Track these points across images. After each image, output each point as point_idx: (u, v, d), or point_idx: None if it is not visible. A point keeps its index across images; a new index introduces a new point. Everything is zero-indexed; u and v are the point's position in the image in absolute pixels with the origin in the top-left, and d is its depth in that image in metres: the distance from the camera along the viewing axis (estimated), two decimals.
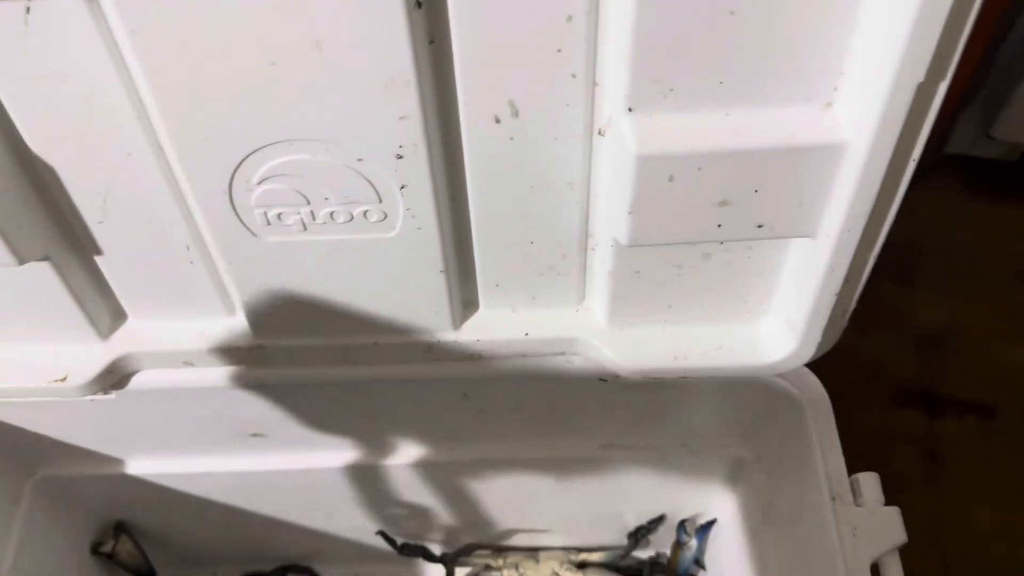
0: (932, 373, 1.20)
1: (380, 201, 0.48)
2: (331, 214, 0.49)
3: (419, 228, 0.50)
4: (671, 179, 0.44)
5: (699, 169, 0.44)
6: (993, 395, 1.18)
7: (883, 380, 1.19)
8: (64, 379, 0.58)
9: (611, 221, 0.49)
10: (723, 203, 0.46)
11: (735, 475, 0.73)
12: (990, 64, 1.21)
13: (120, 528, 0.80)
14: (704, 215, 0.47)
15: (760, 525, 0.69)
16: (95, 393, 0.60)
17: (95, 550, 0.79)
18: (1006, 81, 1.20)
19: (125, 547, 0.80)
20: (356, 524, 0.84)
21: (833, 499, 0.56)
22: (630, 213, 0.47)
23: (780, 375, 0.61)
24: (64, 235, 0.53)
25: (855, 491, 0.57)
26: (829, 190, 0.45)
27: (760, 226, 0.48)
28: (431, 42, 0.42)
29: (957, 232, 1.36)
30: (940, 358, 1.22)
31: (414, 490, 0.76)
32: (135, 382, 0.61)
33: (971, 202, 1.38)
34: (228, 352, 0.59)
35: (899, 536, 0.55)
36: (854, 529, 0.55)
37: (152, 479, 0.73)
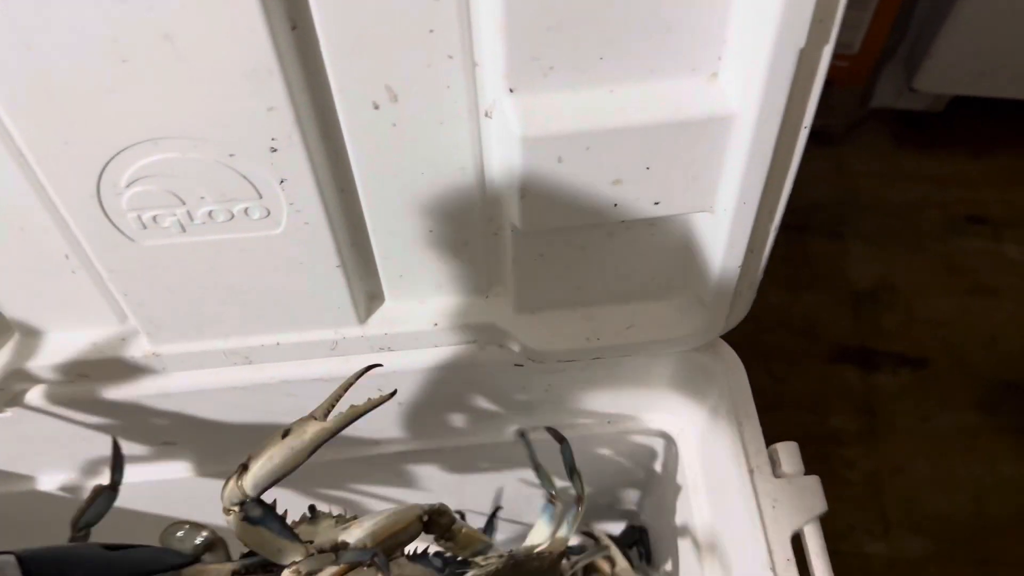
0: (867, 328, 1.21)
1: (260, 197, 0.46)
2: (209, 213, 0.46)
3: (306, 223, 0.48)
4: (560, 160, 0.43)
5: (587, 149, 0.42)
6: (926, 347, 1.20)
7: (818, 338, 1.20)
8: None
9: (506, 206, 0.47)
10: (616, 182, 0.44)
11: (663, 450, 0.73)
12: (909, 17, 1.21)
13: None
14: (598, 195, 0.45)
15: (688, 502, 0.68)
16: None
17: None
18: (926, 33, 1.21)
19: None
20: None
21: (751, 471, 0.55)
22: (522, 198, 0.45)
23: (692, 348, 0.60)
24: None
25: (774, 462, 0.57)
26: (721, 162, 0.44)
27: (657, 203, 0.46)
28: (293, 28, 0.39)
29: (887, 186, 1.37)
30: (875, 313, 1.23)
31: (336, 488, 0.74)
32: (30, 397, 0.58)
33: (900, 155, 1.39)
34: (124, 363, 0.57)
35: (819, 505, 0.55)
36: (774, 501, 0.55)
37: (66, 495, 0.70)
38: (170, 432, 0.65)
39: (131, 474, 0.69)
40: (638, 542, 0.88)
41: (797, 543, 0.55)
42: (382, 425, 0.67)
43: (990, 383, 1.17)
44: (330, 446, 0.49)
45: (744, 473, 0.56)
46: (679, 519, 0.71)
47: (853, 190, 1.34)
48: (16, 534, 0.75)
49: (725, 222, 0.47)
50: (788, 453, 0.57)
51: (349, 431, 0.62)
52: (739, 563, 0.58)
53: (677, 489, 0.69)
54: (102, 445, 0.66)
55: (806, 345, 1.20)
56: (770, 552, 0.53)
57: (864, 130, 1.38)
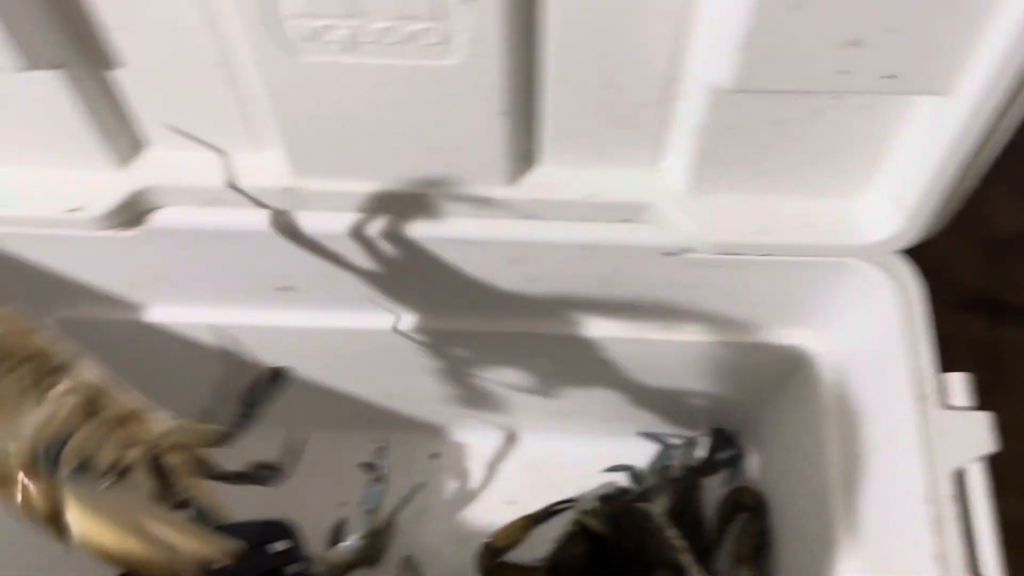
0: (1001, 278, 1.13)
1: (441, 19, 0.41)
2: (383, 31, 0.42)
3: (483, 56, 0.43)
4: (798, 6, 0.36)
5: None
6: None
7: (948, 283, 1.12)
8: (79, 210, 0.53)
9: (714, 60, 0.42)
10: (853, 43, 0.38)
11: (795, 370, 0.68)
12: None
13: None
14: (828, 57, 0.39)
15: (817, 423, 0.64)
16: (112, 228, 0.55)
17: None
18: None
19: None
20: (383, 390, 0.81)
21: (921, 398, 0.50)
22: (741, 49, 0.39)
23: (869, 260, 0.54)
24: (80, 41, 0.46)
25: (942, 392, 0.51)
26: (981, 32, 0.37)
27: (889, 76, 0.40)
28: None
29: None
30: (1011, 264, 1.14)
31: (445, 360, 0.71)
32: (156, 219, 0.56)
33: None
34: (259, 192, 0.53)
35: (988, 444, 0.50)
36: (940, 432, 0.50)
37: (172, 328, 0.68)
38: (290, 276, 0.62)
39: (240, 316, 0.68)
40: (724, 445, 0.83)
41: (958, 482, 0.50)
42: (504, 300, 0.64)
43: None
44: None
45: (910, 401, 0.51)
46: (801, 442, 0.67)
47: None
48: (120, 364, 0.75)
49: (961, 110, 0.40)
50: (961, 384, 0.51)
51: (465, 304, 0.57)
52: (884, 492, 0.54)
53: (809, 410, 0.65)
54: (218, 281, 0.64)
55: (934, 289, 1.12)
56: (930, 485, 0.48)
57: None
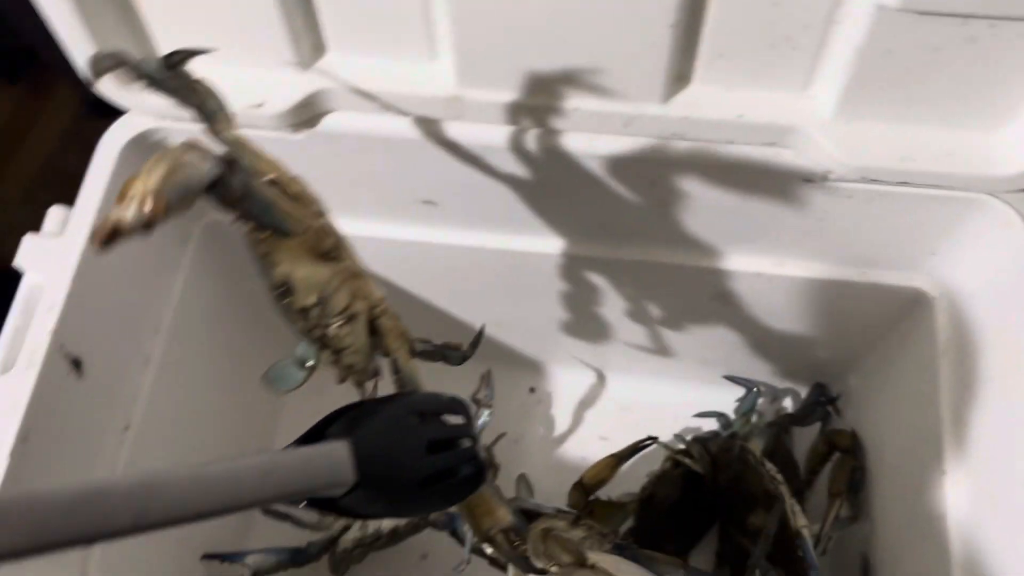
0: None
1: None
2: None
3: None
4: None
5: None
6: None
7: None
8: (261, 105, 0.57)
9: None
10: None
11: (909, 312, 0.69)
12: None
13: None
14: None
15: (931, 363, 0.65)
16: (287, 127, 0.59)
17: None
18: None
19: None
20: (494, 317, 0.84)
21: None
22: None
23: (1002, 198, 0.56)
24: None
25: None
26: None
27: None
28: None
29: None
30: None
31: (570, 284, 0.75)
32: (326, 123, 0.60)
33: None
34: (424, 101, 0.57)
35: None
36: None
37: None
38: (435, 190, 0.66)
39: (381, 229, 0.72)
40: (822, 399, 0.85)
41: None
42: (633, 225, 0.67)
43: None
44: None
45: None
46: (910, 382, 0.69)
47: None
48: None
49: None
50: None
51: (596, 229, 0.60)
52: (998, 423, 0.56)
53: (922, 351, 0.67)
54: (366, 192, 0.68)
55: None
56: None
57: None
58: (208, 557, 0.75)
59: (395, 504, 0.39)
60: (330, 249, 0.44)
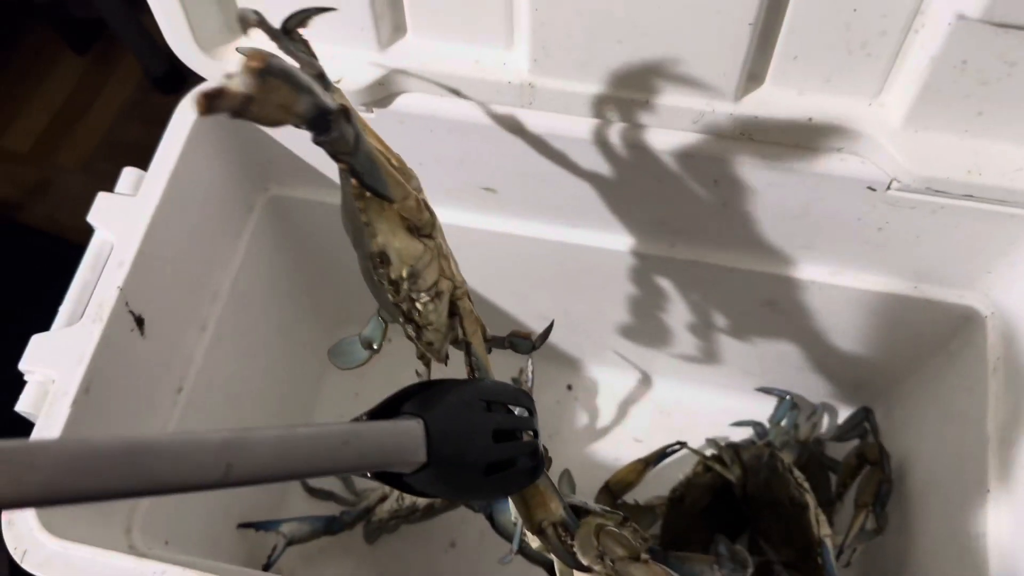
0: None
1: None
2: None
3: None
4: None
5: None
6: None
7: None
8: (339, 81, 0.59)
9: None
10: None
11: (960, 331, 0.70)
12: None
13: None
14: None
15: (980, 383, 0.65)
16: (361, 104, 0.61)
17: None
18: None
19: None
20: (538, 310, 0.85)
21: None
22: None
23: None
24: None
25: None
26: None
27: None
28: None
29: None
30: None
31: (620, 281, 0.76)
32: (399, 103, 0.61)
33: None
34: (497, 87, 0.59)
35: None
36: None
37: None
38: (497, 177, 0.67)
39: (440, 212, 0.73)
40: (863, 422, 0.85)
41: None
42: (692, 224, 0.67)
43: None
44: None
45: None
46: (957, 401, 0.69)
47: None
48: (320, 246, 0.82)
49: None
50: None
51: (653, 226, 0.61)
52: None
53: (972, 371, 0.66)
54: (430, 175, 0.69)
55: None
56: None
57: None
58: (244, 526, 0.77)
59: (456, 487, 0.40)
60: (424, 225, 0.45)
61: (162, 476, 0.29)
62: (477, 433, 0.40)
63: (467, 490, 0.42)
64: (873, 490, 0.76)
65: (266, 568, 0.74)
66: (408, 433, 0.37)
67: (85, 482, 0.27)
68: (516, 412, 0.43)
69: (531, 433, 0.43)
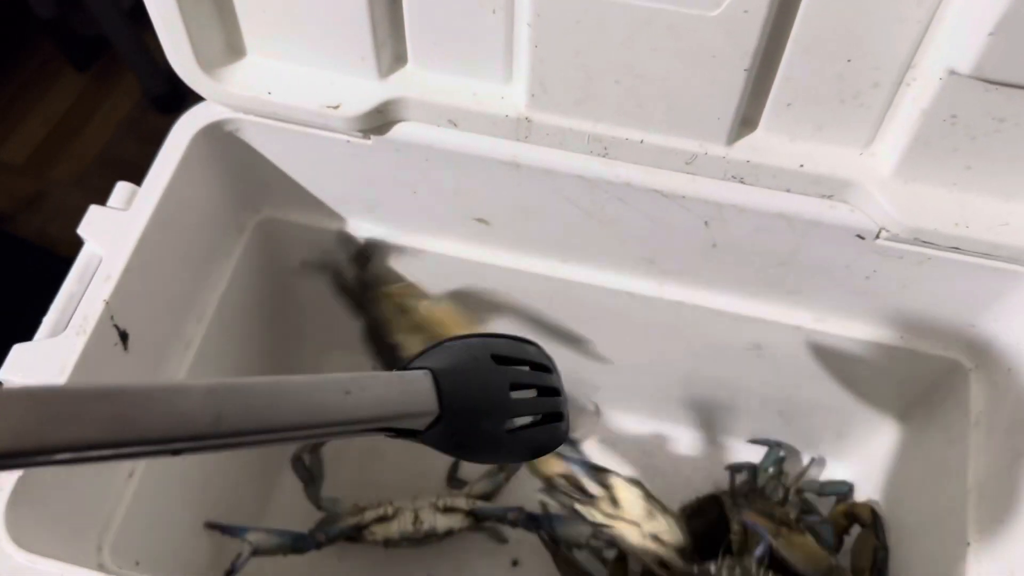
0: None
1: None
2: None
3: (745, 11, 0.48)
4: None
5: None
6: None
7: None
8: (337, 107, 0.59)
9: (957, 44, 0.46)
10: None
11: (941, 382, 0.70)
12: None
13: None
14: None
15: (962, 435, 0.66)
16: (359, 130, 0.61)
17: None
18: None
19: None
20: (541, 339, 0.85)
21: None
22: (991, 34, 0.43)
23: None
24: None
25: None
26: None
27: None
28: None
29: None
30: None
31: (607, 319, 0.76)
32: (396, 131, 0.62)
33: None
34: (494, 120, 0.59)
35: None
36: None
37: (366, 241, 0.74)
38: (490, 209, 0.68)
39: (430, 242, 0.74)
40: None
41: None
42: (680, 265, 0.68)
43: None
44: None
45: None
46: (938, 453, 0.69)
47: None
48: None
49: None
50: None
51: (642, 264, 0.62)
52: None
53: (954, 423, 0.67)
54: (422, 204, 0.69)
55: None
56: None
57: None
58: (211, 526, 0.75)
59: (477, 444, 0.38)
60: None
61: (145, 425, 0.26)
62: (492, 386, 0.38)
63: (490, 449, 0.39)
64: (869, 556, 0.74)
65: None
66: (415, 382, 0.35)
67: (58, 432, 0.23)
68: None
69: (554, 392, 0.41)
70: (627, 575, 0.76)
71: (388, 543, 0.76)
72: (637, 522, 0.67)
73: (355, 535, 0.77)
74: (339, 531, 0.76)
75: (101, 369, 0.58)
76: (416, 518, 0.75)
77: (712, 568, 0.66)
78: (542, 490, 0.70)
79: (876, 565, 0.73)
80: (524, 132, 0.59)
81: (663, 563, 0.66)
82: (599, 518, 0.68)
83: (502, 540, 0.84)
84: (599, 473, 0.67)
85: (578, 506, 0.70)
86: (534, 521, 0.78)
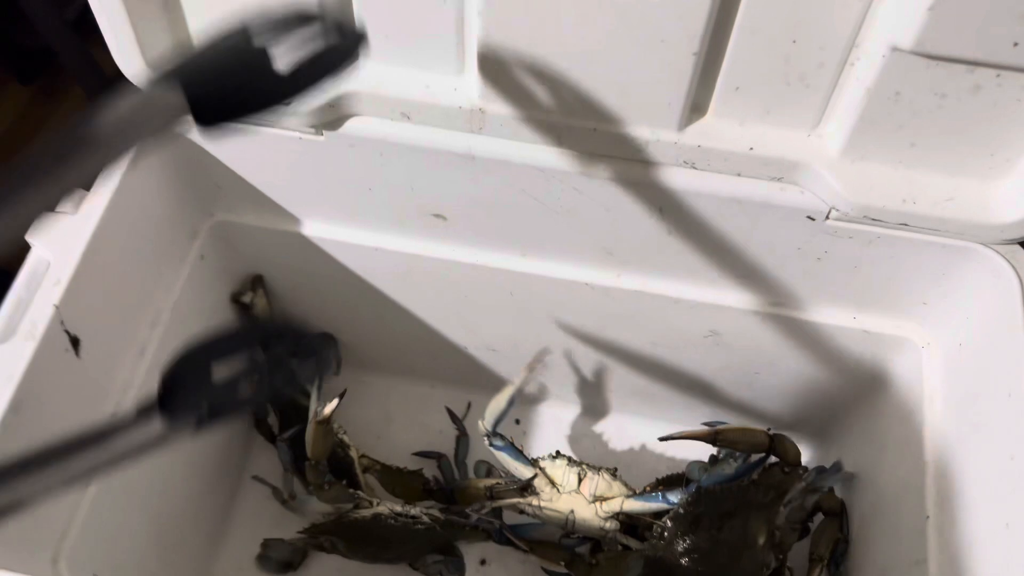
0: None
1: None
2: None
3: None
4: None
5: None
6: None
7: None
8: (287, 103, 0.59)
9: (899, 21, 0.47)
10: None
11: (894, 360, 0.71)
12: None
13: (258, 282, 0.81)
14: (1006, 27, 0.44)
15: (916, 412, 0.67)
16: (310, 126, 0.61)
17: (235, 299, 0.80)
18: None
19: (260, 302, 0.81)
20: (486, 342, 0.85)
21: None
22: (930, 9, 0.44)
23: (996, 249, 0.58)
24: None
25: None
26: None
27: None
28: None
29: None
30: None
31: (567, 311, 0.76)
32: (349, 126, 0.61)
33: None
34: (448, 112, 0.59)
35: None
36: None
37: (321, 243, 0.74)
38: (448, 204, 0.67)
39: (387, 240, 0.73)
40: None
41: None
42: (636, 253, 0.68)
43: None
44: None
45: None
46: (894, 430, 0.70)
47: None
48: (258, 270, 0.81)
49: None
50: None
51: (600, 254, 0.62)
52: (983, 469, 0.57)
53: (907, 400, 0.68)
54: (378, 202, 0.69)
55: None
56: None
57: None
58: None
59: (245, 95, 0.38)
60: None
61: None
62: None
63: (264, 95, 0.38)
64: (829, 546, 0.73)
65: None
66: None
67: None
68: None
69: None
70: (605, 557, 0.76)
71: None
72: (579, 491, 0.71)
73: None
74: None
75: (52, 376, 0.57)
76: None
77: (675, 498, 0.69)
78: (477, 508, 0.74)
79: (835, 557, 0.73)
80: (478, 124, 0.59)
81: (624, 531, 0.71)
82: (546, 505, 0.71)
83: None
84: (523, 455, 0.72)
85: (525, 507, 0.71)
86: (503, 535, 0.78)
